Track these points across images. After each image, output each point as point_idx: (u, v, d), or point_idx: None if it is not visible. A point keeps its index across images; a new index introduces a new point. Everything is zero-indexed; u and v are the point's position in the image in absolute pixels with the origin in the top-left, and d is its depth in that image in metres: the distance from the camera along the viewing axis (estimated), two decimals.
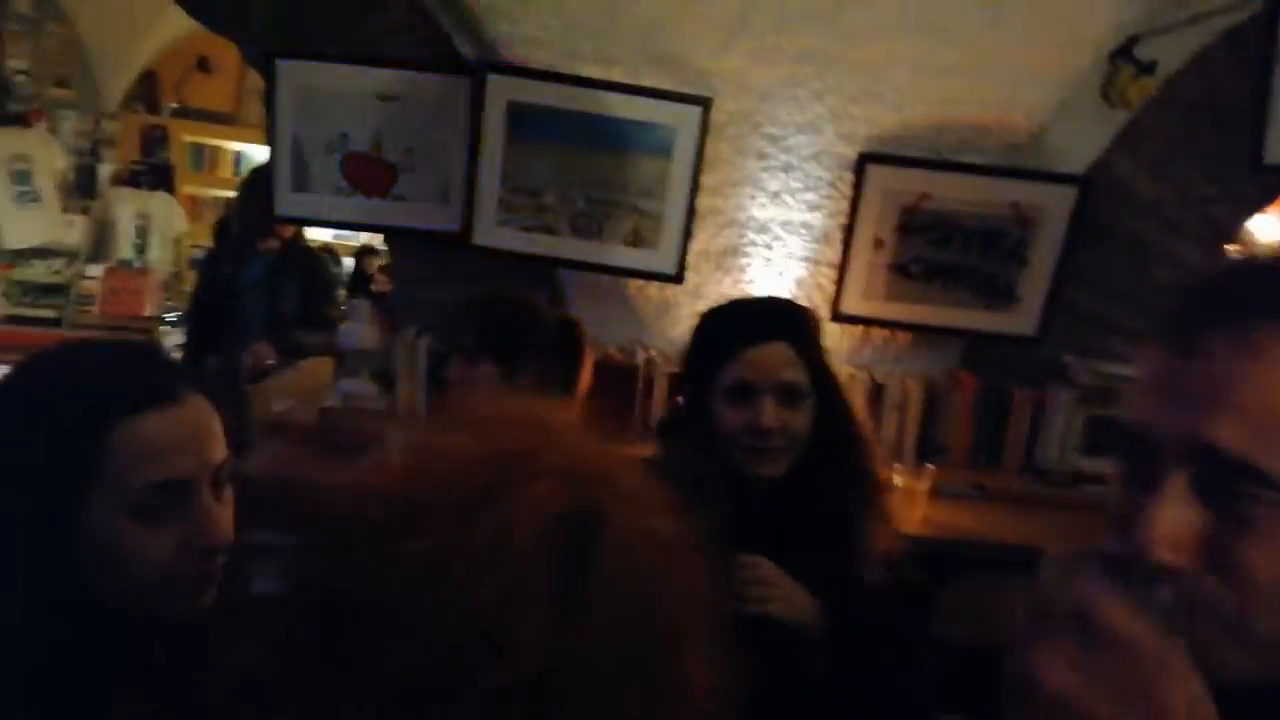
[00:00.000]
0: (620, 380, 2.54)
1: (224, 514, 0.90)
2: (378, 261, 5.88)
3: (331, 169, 2.68)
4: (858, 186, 2.55)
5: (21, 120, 5.30)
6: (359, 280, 5.93)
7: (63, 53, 5.75)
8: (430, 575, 0.51)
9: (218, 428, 0.91)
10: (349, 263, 6.17)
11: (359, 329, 2.77)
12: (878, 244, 2.58)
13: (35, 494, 0.81)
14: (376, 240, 5.60)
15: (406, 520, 0.53)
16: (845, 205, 2.59)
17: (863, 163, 2.54)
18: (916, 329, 2.67)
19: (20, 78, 5.44)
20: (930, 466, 2.26)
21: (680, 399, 1.50)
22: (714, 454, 1.32)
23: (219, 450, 0.90)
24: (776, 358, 1.31)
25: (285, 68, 2.63)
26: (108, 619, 0.85)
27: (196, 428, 0.88)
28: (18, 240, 5.29)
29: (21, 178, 5.24)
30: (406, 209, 2.67)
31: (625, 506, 0.55)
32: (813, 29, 2.47)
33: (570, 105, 2.50)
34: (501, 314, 1.95)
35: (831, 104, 2.55)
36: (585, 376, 2.05)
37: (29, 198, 5.28)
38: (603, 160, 2.54)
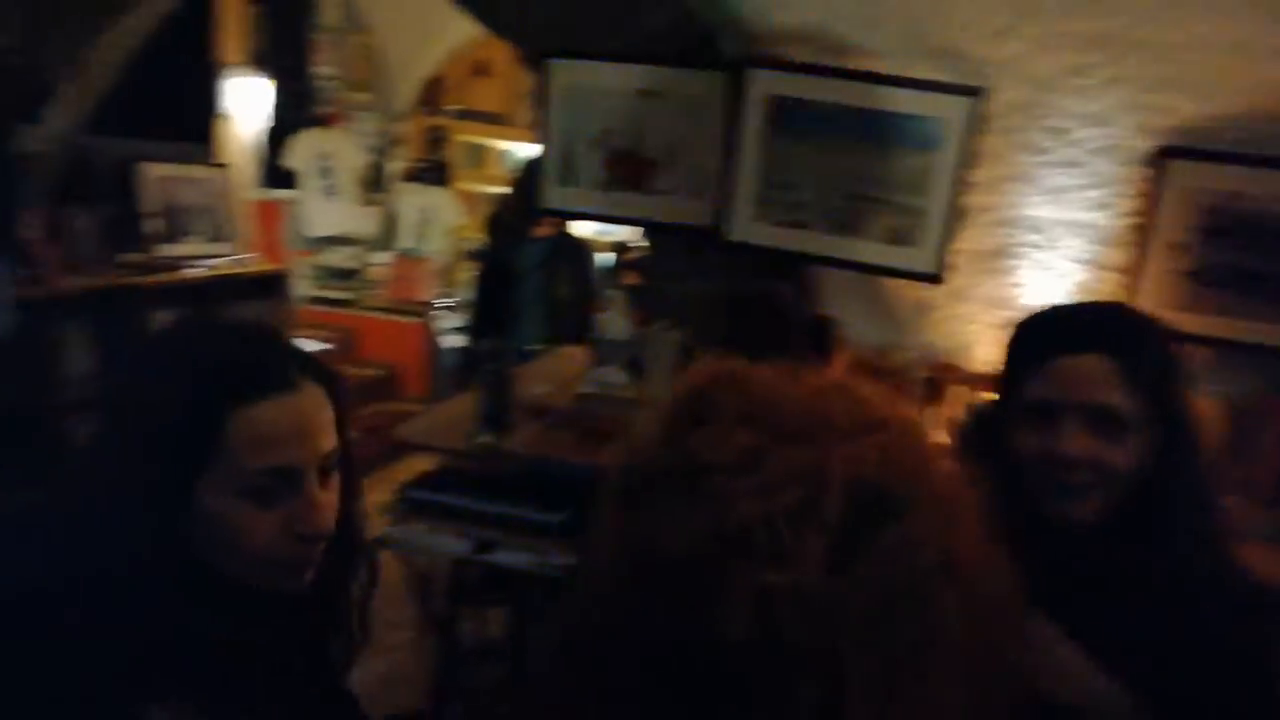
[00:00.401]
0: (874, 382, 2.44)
1: (328, 501, 0.92)
2: (630, 255, 6.05)
3: (595, 164, 2.78)
4: (1155, 184, 2.30)
5: (326, 121, 5.93)
6: (616, 272, 6.14)
7: (363, 60, 6.36)
8: (743, 464, 0.55)
9: (329, 418, 0.92)
10: (602, 257, 6.40)
11: (614, 319, 2.86)
12: (1176, 248, 2.32)
13: (160, 463, 0.84)
14: (631, 234, 5.76)
15: (746, 416, 0.59)
16: (1137, 204, 2.35)
17: (1163, 157, 2.29)
18: (1219, 345, 2.37)
19: (326, 83, 6.07)
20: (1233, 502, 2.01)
21: (980, 406, 1.37)
22: (1011, 486, 1.07)
23: (328, 440, 0.92)
24: (1089, 373, 1.05)
25: (556, 66, 2.75)
26: (214, 589, 0.87)
27: (310, 417, 0.90)
28: (320, 229, 5.92)
29: (325, 173, 5.86)
30: (664, 204, 2.72)
31: (934, 510, 0.56)
32: (1104, 10, 2.25)
33: (833, 99, 2.44)
34: (752, 309, 1.93)
35: (1125, 93, 2.32)
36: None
37: (331, 191, 5.90)
38: (865, 155, 2.45)
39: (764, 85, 2.48)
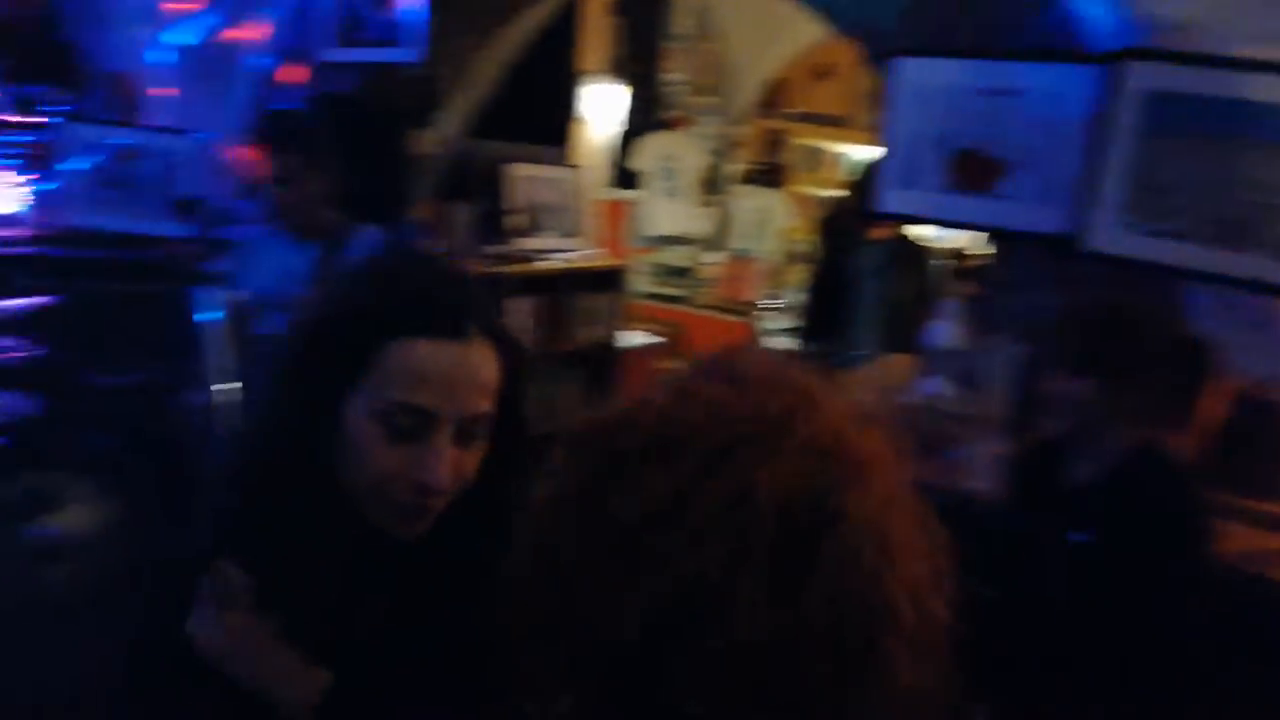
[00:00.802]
0: (1262, 420, 2.11)
1: (457, 460, 0.88)
2: (969, 263, 5.73)
3: (938, 166, 2.65)
4: None
5: (671, 125, 6.20)
6: (952, 280, 5.85)
7: (708, 65, 6.57)
8: (666, 513, 0.53)
9: (489, 381, 0.88)
10: (939, 264, 6.12)
11: (947, 329, 2.72)
12: None
13: (319, 368, 0.87)
14: (971, 240, 5.45)
15: (657, 452, 0.55)
16: None
17: None
18: None
19: (674, 88, 6.34)
20: None
21: None
22: None
23: (479, 401, 0.88)
24: None
25: (901, 65, 2.66)
26: (336, 504, 0.89)
27: (465, 371, 0.87)
28: (659, 228, 6.21)
29: (668, 174, 6.14)
30: (1012, 209, 2.53)
31: (865, 502, 0.53)
32: None
33: (1226, 93, 2.14)
34: (1112, 327, 1.74)
35: None
36: (1210, 407, 1.74)
37: (672, 192, 6.16)
38: (1263, 157, 2.13)
39: (1143, 78, 2.23)
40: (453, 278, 0.93)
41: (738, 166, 6.85)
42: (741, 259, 6.16)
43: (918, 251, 3.70)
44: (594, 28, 4.77)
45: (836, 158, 7.49)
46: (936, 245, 6.25)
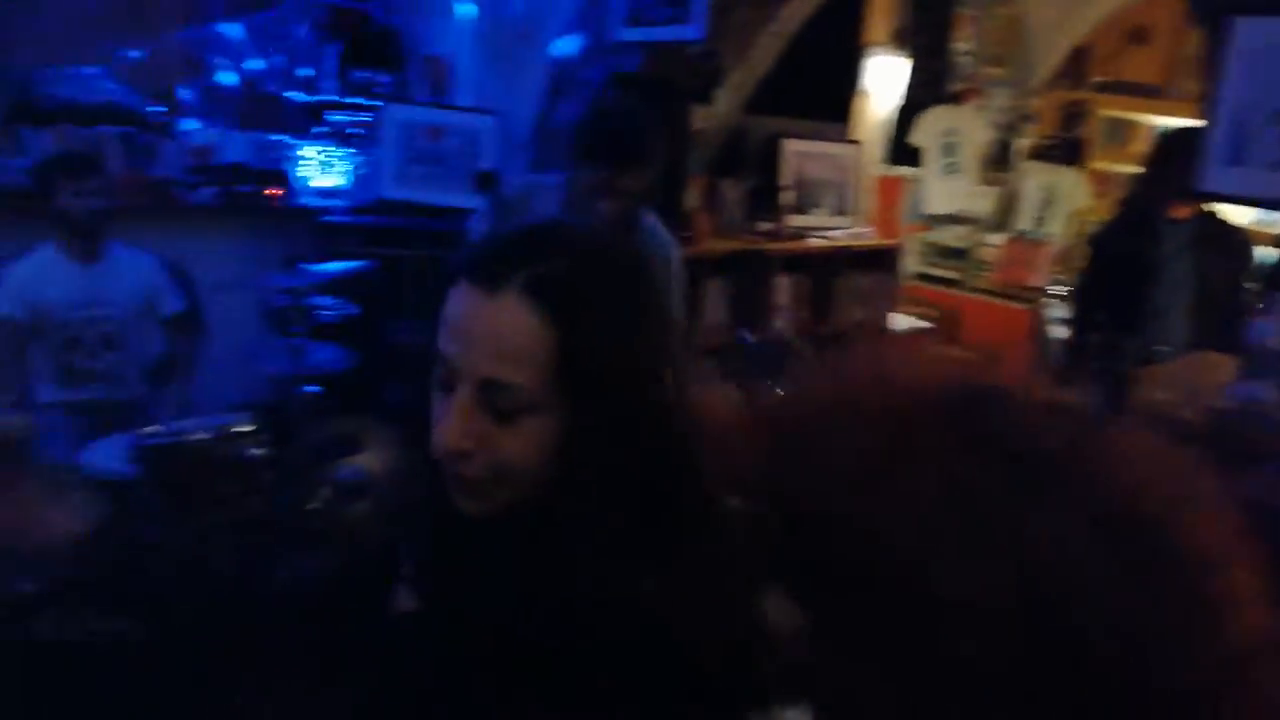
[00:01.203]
0: None
1: (484, 433, 0.77)
2: None
3: (1276, 140, 2.32)
4: None
5: (958, 98, 5.86)
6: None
7: (1004, 32, 6.14)
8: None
9: (521, 348, 0.76)
10: (1263, 252, 5.38)
11: (1275, 326, 2.39)
12: None
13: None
14: None
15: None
16: None
17: None
18: None
19: (964, 58, 5.99)
20: None
21: None
22: None
23: (502, 369, 0.76)
24: None
25: (1236, 25, 2.34)
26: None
27: (484, 327, 0.77)
28: (937, 206, 5.91)
29: (948, 150, 5.82)
30: None
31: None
32: None
33: None
34: None
35: None
36: None
37: (952, 169, 5.84)
38: None
39: None
40: (541, 232, 0.84)
41: (1027, 141, 6.37)
42: (1026, 241, 5.75)
43: (1231, 234, 3.26)
44: None
45: (1149, 131, 6.77)
46: (1259, 229, 5.53)
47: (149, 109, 4.01)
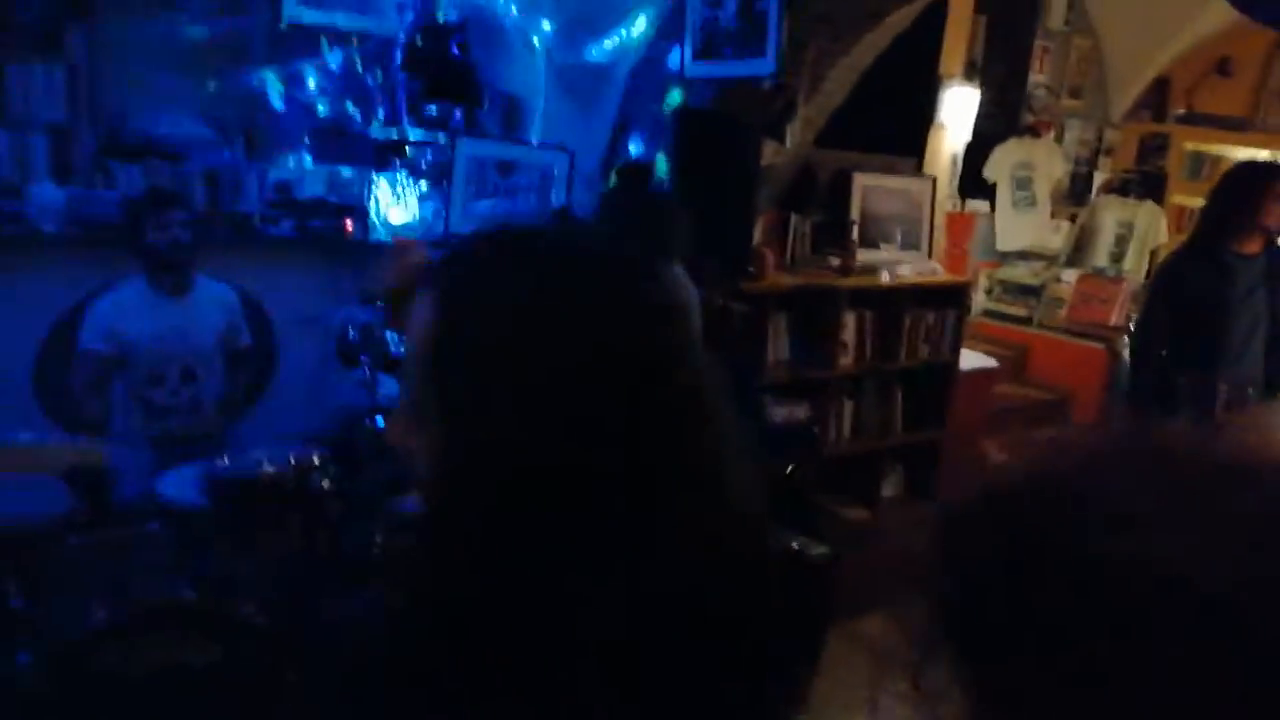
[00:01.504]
0: None
1: (403, 419, 0.73)
2: None
3: None
4: None
5: (1032, 130, 5.76)
6: None
7: (1081, 64, 6.02)
8: None
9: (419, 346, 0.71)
10: None
11: None
12: None
13: None
14: None
15: None
16: None
17: None
18: None
19: (1039, 90, 5.88)
20: None
21: None
22: None
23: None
24: None
25: None
26: None
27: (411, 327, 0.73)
28: (1010, 242, 5.80)
29: (1022, 184, 5.71)
30: None
31: None
32: None
33: None
34: None
35: None
36: None
37: (1026, 203, 5.73)
38: None
39: None
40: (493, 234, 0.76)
41: (1104, 175, 6.23)
42: (1102, 278, 5.59)
43: None
44: (957, 28, 4.54)
45: (1232, 164, 6.58)
46: None
47: (231, 145, 4.14)
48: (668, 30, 3.74)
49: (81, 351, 2.88)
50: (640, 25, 3.84)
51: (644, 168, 3.64)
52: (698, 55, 3.58)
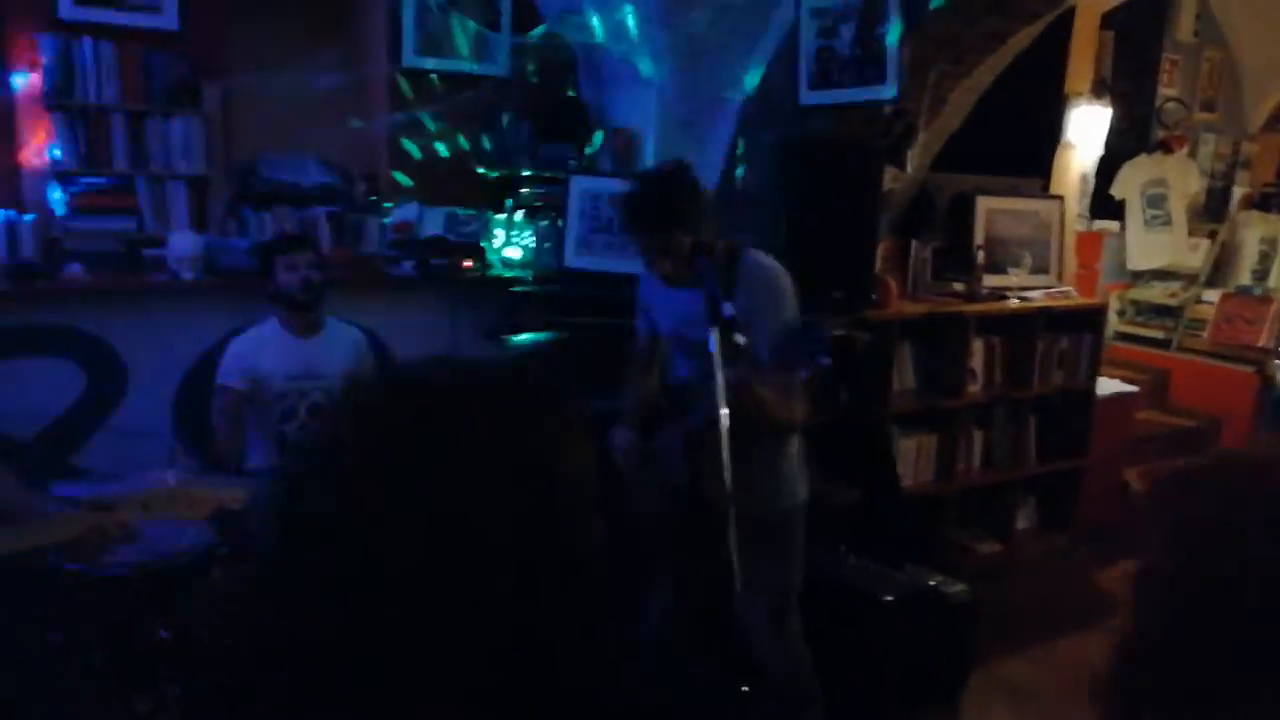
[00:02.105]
0: None
1: None
2: None
3: None
4: None
5: (1164, 146, 5.48)
6: None
7: (1213, 75, 5.73)
8: None
9: None
10: None
11: None
12: None
13: None
14: None
15: None
16: None
17: None
18: None
19: (1171, 104, 5.61)
20: None
21: None
22: None
23: None
24: None
25: None
26: None
27: None
28: (1142, 262, 5.52)
29: (1154, 201, 5.43)
30: None
31: None
32: None
33: None
34: None
35: None
36: None
37: (1159, 221, 5.45)
38: None
39: None
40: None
41: (1244, 190, 5.88)
42: (1248, 297, 5.26)
43: None
44: (1082, 45, 4.37)
45: None
46: None
47: (354, 189, 4.27)
48: (781, 59, 3.70)
49: (219, 386, 2.98)
50: (753, 56, 3.81)
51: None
52: (813, 83, 3.53)
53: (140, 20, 3.73)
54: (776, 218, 3.30)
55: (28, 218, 3.48)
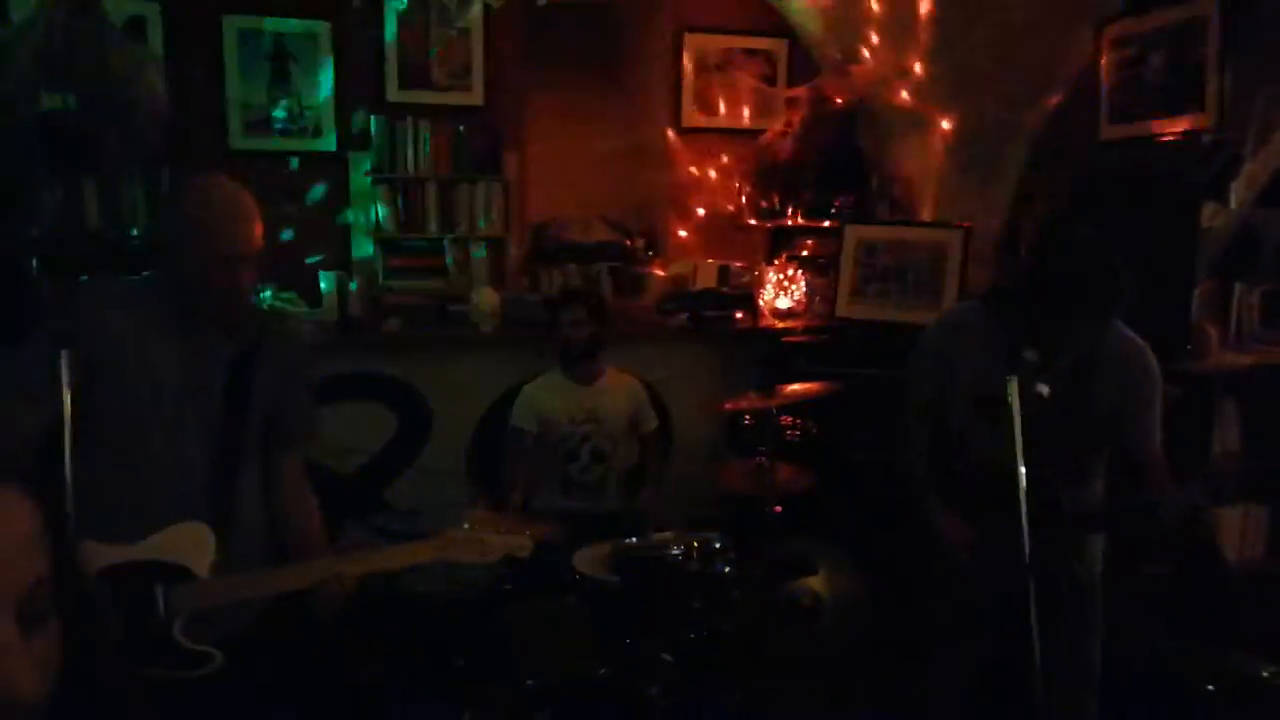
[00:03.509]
0: None
1: None
2: None
3: None
4: None
5: None
6: None
7: None
8: None
9: None
10: None
11: None
12: None
13: None
14: None
15: None
16: None
17: None
18: None
19: None
20: None
21: None
22: None
23: None
24: None
25: None
26: None
27: None
28: None
29: None
30: None
31: None
32: None
33: None
34: None
35: None
36: None
37: None
38: None
39: None
40: None
41: None
42: None
43: None
44: None
45: None
46: None
47: (635, 245, 4.47)
48: (1076, 92, 3.46)
49: (512, 429, 3.23)
50: (1042, 92, 3.59)
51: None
52: (1115, 115, 3.26)
53: (454, 99, 4.16)
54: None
55: (355, 279, 3.94)
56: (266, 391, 1.82)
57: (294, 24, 3.91)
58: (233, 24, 3.84)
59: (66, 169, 3.18)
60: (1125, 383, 2.03)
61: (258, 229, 1.73)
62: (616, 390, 3.27)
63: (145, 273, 2.26)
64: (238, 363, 1.78)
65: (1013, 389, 1.76)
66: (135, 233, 3.33)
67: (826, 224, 4.22)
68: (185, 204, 1.74)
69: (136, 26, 3.58)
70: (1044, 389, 1.80)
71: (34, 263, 3.00)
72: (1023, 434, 1.76)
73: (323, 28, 3.95)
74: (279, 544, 1.86)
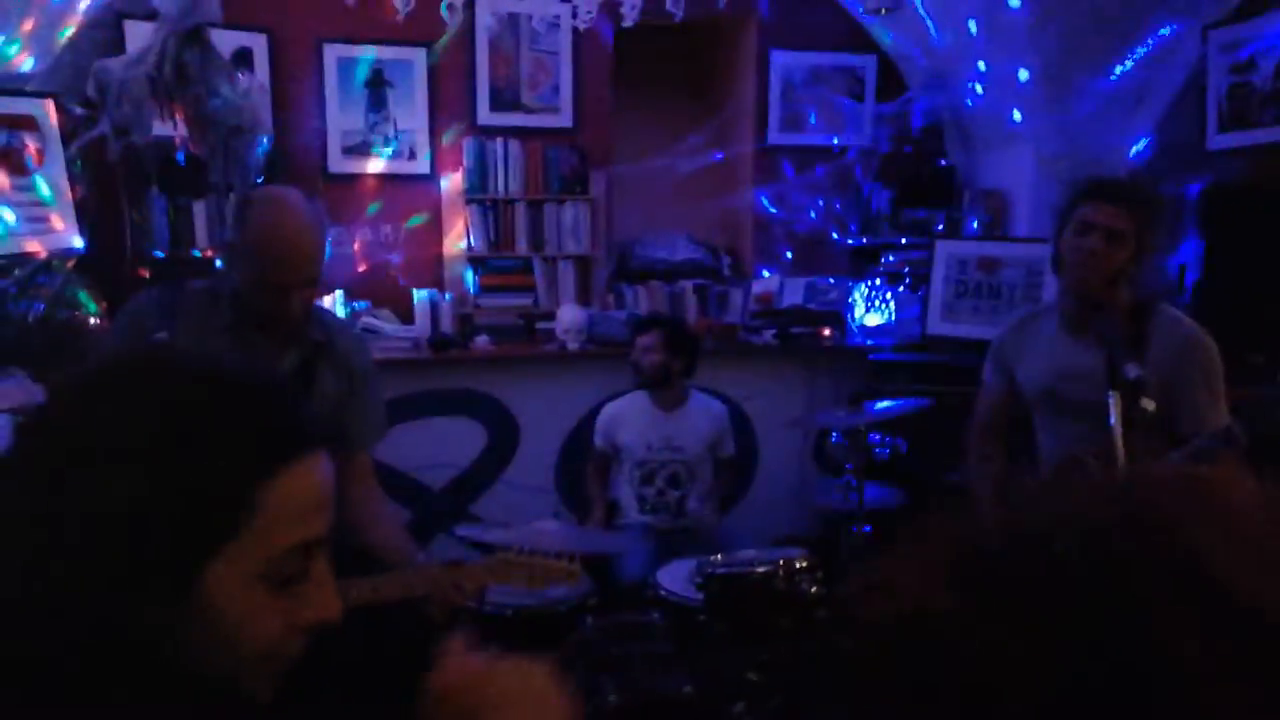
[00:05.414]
0: None
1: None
2: None
3: None
4: None
5: None
6: None
7: None
8: None
9: None
10: None
11: None
12: None
13: (154, 556, 0.64)
14: None
15: None
16: None
17: None
18: None
19: None
20: None
21: None
22: None
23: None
24: None
25: None
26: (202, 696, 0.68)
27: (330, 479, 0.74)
28: None
29: None
30: None
31: None
32: None
33: None
34: None
35: None
36: None
37: None
38: None
39: None
40: (261, 375, 0.76)
41: None
42: None
43: None
44: None
45: None
46: None
47: (719, 262, 4.46)
48: (1182, 101, 3.33)
49: (592, 447, 3.26)
50: (1142, 104, 3.47)
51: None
52: (1225, 125, 3.12)
53: (543, 121, 4.23)
54: (1180, 273, 2.94)
55: (447, 296, 4.03)
56: (328, 397, 1.87)
57: (391, 51, 4.05)
58: (333, 52, 4.00)
59: (176, 192, 3.35)
60: (1173, 362, 1.96)
61: (315, 255, 1.77)
62: (699, 415, 3.24)
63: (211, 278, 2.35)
64: (298, 369, 1.84)
65: (1115, 405, 1.72)
66: None
67: (916, 240, 4.14)
68: (245, 228, 1.78)
69: (244, 57, 3.75)
70: (1149, 404, 1.73)
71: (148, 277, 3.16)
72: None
73: (418, 54, 4.08)
74: (354, 545, 1.88)
